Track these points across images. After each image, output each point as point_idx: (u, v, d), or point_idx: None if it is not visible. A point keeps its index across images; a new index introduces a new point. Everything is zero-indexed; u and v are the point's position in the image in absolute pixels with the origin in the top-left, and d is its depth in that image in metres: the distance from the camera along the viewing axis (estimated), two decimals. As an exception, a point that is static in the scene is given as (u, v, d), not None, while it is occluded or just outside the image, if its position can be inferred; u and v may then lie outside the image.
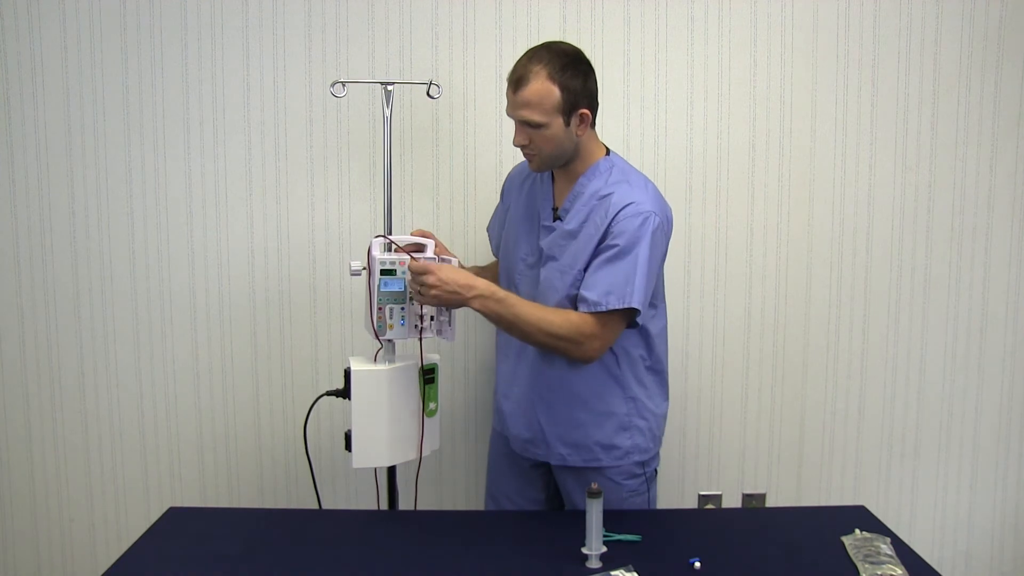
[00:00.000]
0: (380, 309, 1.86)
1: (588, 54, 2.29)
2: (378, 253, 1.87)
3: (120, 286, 2.39)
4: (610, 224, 1.76)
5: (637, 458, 1.90)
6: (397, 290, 1.86)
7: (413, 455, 1.95)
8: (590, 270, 1.78)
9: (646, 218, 1.75)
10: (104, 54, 2.32)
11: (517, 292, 1.89)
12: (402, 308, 1.87)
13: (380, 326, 1.86)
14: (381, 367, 1.89)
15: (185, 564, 1.67)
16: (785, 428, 2.49)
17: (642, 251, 1.74)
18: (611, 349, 1.84)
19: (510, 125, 1.86)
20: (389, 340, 1.91)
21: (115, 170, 2.36)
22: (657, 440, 1.96)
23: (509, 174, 2.12)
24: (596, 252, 1.78)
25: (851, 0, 2.34)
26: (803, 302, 2.44)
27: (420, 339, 1.90)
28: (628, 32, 2.33)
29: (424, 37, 2.32)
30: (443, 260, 1.87)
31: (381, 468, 2.07)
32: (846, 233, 2.42)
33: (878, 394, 2.49)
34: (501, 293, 1.78)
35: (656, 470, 1.98)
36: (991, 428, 2.51)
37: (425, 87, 2.12)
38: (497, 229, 2.12)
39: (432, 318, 1.90)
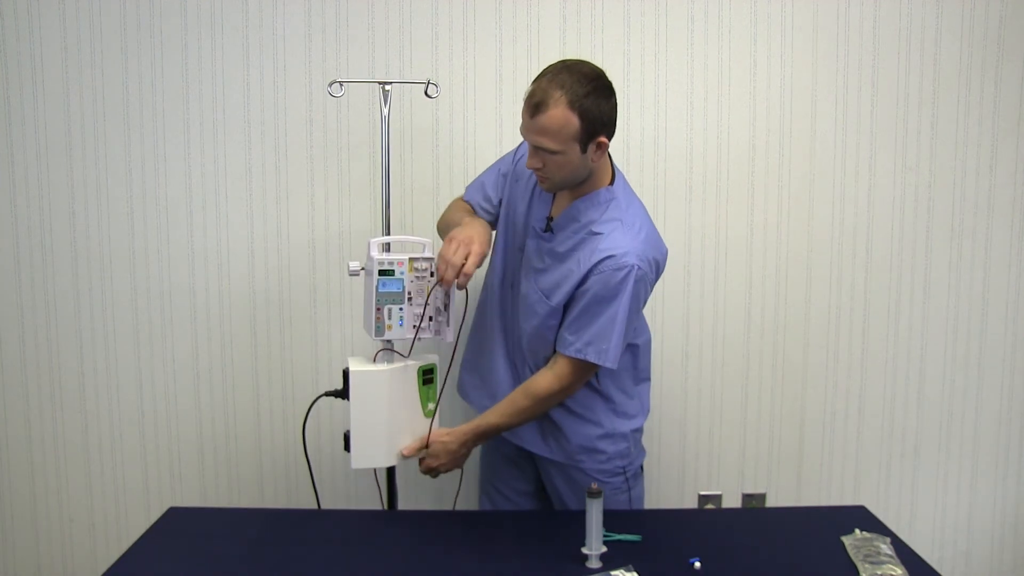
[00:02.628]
0: (379, 310, 1.85)
1: (588, 54, 2.32)
2: (376, 253, 1.87)
3: (120, 286, 2.39)
4: (591, 270, 1.74)
5: (619, 463, 1.92)
6: (395, 290, 1.86)
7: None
8: (571, 311, 1.78)
9: (628, 272, 1.71)
10: (104, 54, 2.32)
11: (519, 282, 1.92)
12: (400, 308, 1.87)
13: (379, 326, 1.86)
14: (380, 367, 1.88)
15: (185, 564, 1.67)
16: (785, 428, 2.49)
17: (621, 307, 1.73)
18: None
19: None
20: (388, 340, 1.91)
21: (115, 170, 2.36)
22: (639, 444, 1.98)
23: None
24: (575, 293, 1.77)
25: (851, 0, 2.34)
26: (803, 302, 2.44)
27: (414, 339, 1.90)
28: (628, 32, 2.33)
29: (424, 37, 2.32)
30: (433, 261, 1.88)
31: (380, 468, 2.06)
32: (846, 233, 2.42)
33: (878, 394, 2.49)
34: (482, 421, 1.88)
35: (641, 466, 2.00)
36: (991, 428, 2.51)
37: (423, 87, 2.12)
38: (493, 185, 2.02)
39: (431, 318, 1.89)
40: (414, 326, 1.87)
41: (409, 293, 1.87)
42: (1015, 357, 2.49)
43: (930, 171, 2.41)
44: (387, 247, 1.95)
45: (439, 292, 1.88)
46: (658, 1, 2.32)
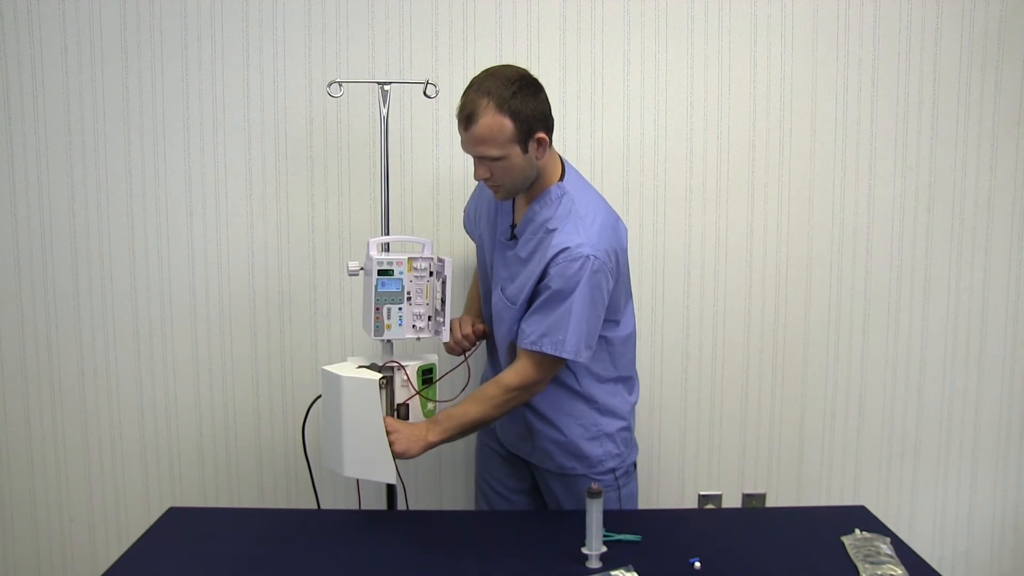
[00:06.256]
0: (378, 309, 1.86)
1: (588, 54, 2.32)
2: (375, 253, 1.87)
3: (120, 286, 2.39)
4: (547, 266, 1.75)
5: (611, 464, 1.92)
6: (394, 290, 1.86)
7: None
8: (532, 308, 1.79)
9: (582, 264, 1.71)
10: (104, 54, 2.32)
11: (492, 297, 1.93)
12: (399, 308, 1.87)
13: (378, 326, 1.86)
14: (373, 376, 1.81)
15: (185, 564, 1.67)
16: (785, 428, 2.49)
17: (577, 298, 1.72)
18: (568, 367, 1.85)
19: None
20: (388, 340, 1.91)
21: (115, 170, 2.36)
22: (629, 441, 1.97)
23: None
24: (537, 290, 1.78)
25: (851, 0, 2.34)
26: (803, 302, 2.44)
27: (418, 338, 1.90)
28: (628, 32, 2.33)
29: (424, 37, 2.32)
30: (441, 260, 1.89)
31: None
32: (846, 233, 2.42)
33: (878, 394, 2.49)
34: (442, 414, 1.83)
35: (635, 464, 2.00)
36: (991, 428, 2.51)
37: (422, 87, 2.12)
38: (475, 214, 2.09)
39: (429, 318, 1.90)
40: (413, 326, 1.88)
41: (408, 293, 1.87)
42: (1015, 357, 2.49)
43: (930, 171, 2.41)
44: (386, 247, 1.95)
45: (436, 289, 1.89)
46: (658, 1, 2.33)
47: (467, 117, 1.71)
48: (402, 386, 1.89)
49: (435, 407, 1.95)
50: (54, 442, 2.46)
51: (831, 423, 2.49)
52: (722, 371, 2.46)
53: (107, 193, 2.36)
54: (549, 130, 1.76)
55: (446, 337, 1.92)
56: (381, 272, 1.85)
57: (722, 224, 2.41)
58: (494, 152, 1.71)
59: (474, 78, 1.75)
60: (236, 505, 2.46)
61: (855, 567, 1.62)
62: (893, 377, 2.48)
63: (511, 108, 1.69)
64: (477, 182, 2.01)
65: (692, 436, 2.49)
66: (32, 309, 2.41)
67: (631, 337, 1.96)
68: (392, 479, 1.80)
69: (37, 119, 2.34)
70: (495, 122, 1.69)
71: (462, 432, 1.83)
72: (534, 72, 1.78)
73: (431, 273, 1.89)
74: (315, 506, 2.17)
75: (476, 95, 1.70)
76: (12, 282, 2.40)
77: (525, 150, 1.73)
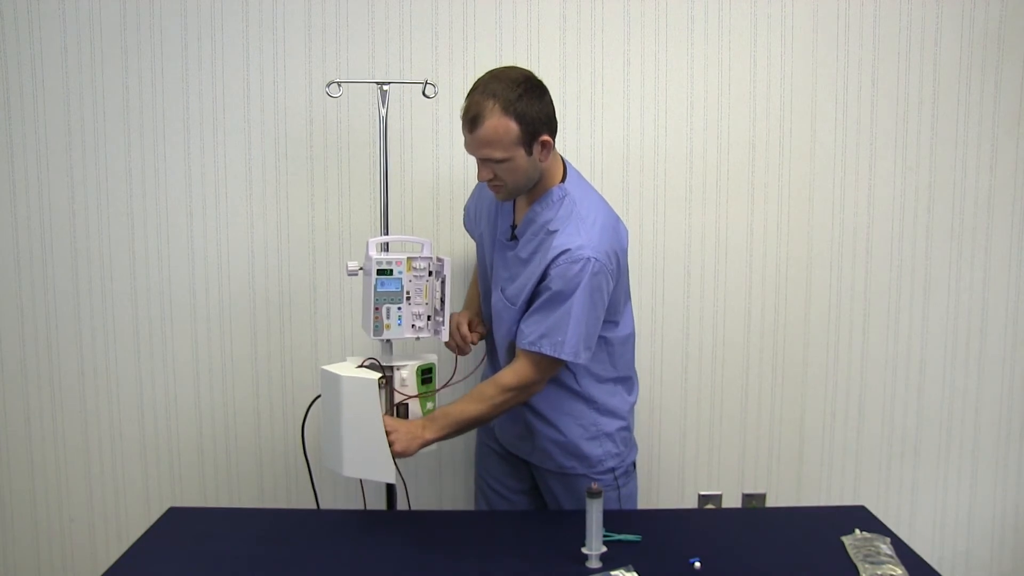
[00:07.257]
0: (377, 309, 1.86)
1: (588, 54, 2.32)
2: (374, 253, 1.87)
3: (120, 286, 2.40)
4: (548, 267, 1.75)
5: (610, 464, 1.92)
6: (394, 290, 1.86)
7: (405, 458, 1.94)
8: (531, 308, 1.79)
9: (583, 266, 1.71)
10: (104, 54, 2.32)
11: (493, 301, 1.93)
12: (399, 308, 1.87)
13: (377, 326, 1.86)
14: (373, 375, 1.81)
15: (185, 564, 1.67)
16: (785, 428, 2.48)
17: (577, 300, 1.72)
18: (567, 367, 1.84)
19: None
20: (387, 340, 1.91)
21: (115, 170, 2.36)
22: (628, 441, 1.97)
23: None
24: (537, 291, 1.78)
25: (851, 0, 2.34)
26: (803, 302, 2.44)
27: (417, 338, 1.90)
28: (628, 32, 2.33)
29: (424, 37, 2.32)
30: (440, 259, 1.88)
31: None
32: (846, 233, 2.42)
33: (878, 394, 2.49)
34: (438, 412, 1.84)
35: (634, 463, 2.00)
36: (991, 428, 2.51)
37: (421, 87, 2.12)
38: (475, 212, 2.09)
39: (429, 317, 1.90)
40: (412, 325, 1.88)
41: (407, 292, 1.87)
42: (1015, 357, 2.49)
43: (930, 171, 2.41)
44: (385, 247, 1.95)
45: (435, 289, 1.89)
46: (658, 1, 2.32)
47: (472, 119, 1.70)
48: (401, 386, 1.89)
49: (435, 406, 1.95)
50: (54, 442, 2.46)
51: (831, 423, 2.49)
52: (722, 371, 2.46)
53: (107, 193, 2.36)
54: (553, 132, 1.76)
55: (445, 337, 1.92)
56: (380, 272, 1.85)
57: (722, 224, 2.40)
58: (499, 154, 1.71)
59: (478, 80, 1.74)
60: (236, 505, 2.46)
61: (855, 567, 1.62)
62: (893, 377, 2.48)
63: (517, 110, 1.69)
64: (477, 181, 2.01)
65: (692, 436, 2.49)
66: (32, 309, 2.41)
67: (630, 337, 1.96)
68: (391, 479, 1.80)
69: (37, 119, 2.34)
70: (501, 124, 1.68)
71: (458, 430, 1.83)
72: (534, 72, 1.78)
73: (430, 273, 1.89)
74: (314, 506, 2.17)
75: (481, 97, 1.70)
76: (12, 282, 2.40)
77: (530, 152, 1.73)
